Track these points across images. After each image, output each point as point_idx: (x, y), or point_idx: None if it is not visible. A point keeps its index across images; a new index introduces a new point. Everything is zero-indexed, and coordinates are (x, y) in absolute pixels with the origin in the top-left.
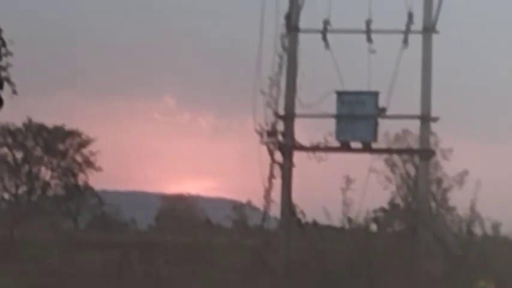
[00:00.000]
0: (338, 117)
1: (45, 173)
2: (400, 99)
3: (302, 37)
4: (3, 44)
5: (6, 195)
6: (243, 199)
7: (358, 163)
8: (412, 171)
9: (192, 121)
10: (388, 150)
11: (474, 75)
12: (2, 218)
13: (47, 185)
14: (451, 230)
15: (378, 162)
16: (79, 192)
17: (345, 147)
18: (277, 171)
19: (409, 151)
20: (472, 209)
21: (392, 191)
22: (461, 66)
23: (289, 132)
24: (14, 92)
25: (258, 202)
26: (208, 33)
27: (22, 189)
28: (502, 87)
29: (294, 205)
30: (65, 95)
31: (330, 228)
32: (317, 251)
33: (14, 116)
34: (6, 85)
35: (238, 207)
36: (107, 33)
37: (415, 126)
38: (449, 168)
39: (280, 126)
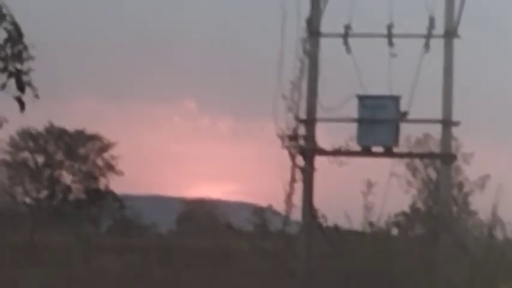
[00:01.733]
0: (359, 121)
1: (67, 177)
2: (422, 104)
3: (323, 41)
4: (25, 48)
5: (27, 199)
6: (264, 203)
7: (379, 167)
8: (433, 175)
9: (212, 125)
10: (410, 155)
11: (496, 79)
12: (23, 222)
13: (68, 189)
14: (472, 234)
15: (399, 166)
16: (100, 197)
17: (366, 152)
18: (299, 176)
19: (431, 155)
20: (494, 213)
21: (413, 195)
22: (483, 70)
23: (310, 136)
24: (36, 96)
25: (279, 206)
26: (229, 37)
27: (43, 194)
28: None
29: (316, 209)
30: (86, 99)
31: (351, 232)
32: (338, 255)
33: (35, 120)
34: (28, 89)
35: (258, 211)
36: (127, 37)
37: (436, 130)
38: (470, 172)
39: (302, 131)
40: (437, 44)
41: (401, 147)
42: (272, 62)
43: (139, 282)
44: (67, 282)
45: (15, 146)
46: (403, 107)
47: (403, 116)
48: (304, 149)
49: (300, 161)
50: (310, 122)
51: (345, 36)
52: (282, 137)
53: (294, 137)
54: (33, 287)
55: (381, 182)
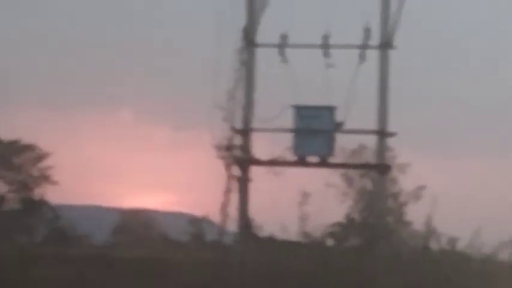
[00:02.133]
0: (295, 131)
1: (1, 187)
2: (357, 114)
3: (259, 51)
4: None
5: None
6: (200, 213)
7: (315, 177)
8: (368, 185)
9: (148, 134)
10: (345, 165)
11: (431, 90)
12: None
13: (2, 199)
14: (408, 245)
15: (335, 176)
16: (35, 207)
17: (302, 162)
18: (234, 186)
19: (366, 166)
20: (429, 223)
21: (349, 206)
22: (419, 81)
23: (246, 146)
24: None
25: (216, 216)
26: (166, 45)
27: None
28: (459, 102)
29: (251, 219)
30: (20, 108)
31: (287, 242)
32: (273, 265)
33: None
34: None
35: (194, 221)
36: (62, 43)
37: (372, 141)
38: (406, 183)
39: (238, 141)
40: (373, 55)
41: (337, 158)
42: (209, 71)
43: None
44: None
45: None
46: (338, 117)
47: (338, 127)
48: (240, 159)
49: (236, 171)
50: (246, 132)
51: (281, 46)
52: (218, 147)
53: (229, 147)
54: None
55: (317, 193)
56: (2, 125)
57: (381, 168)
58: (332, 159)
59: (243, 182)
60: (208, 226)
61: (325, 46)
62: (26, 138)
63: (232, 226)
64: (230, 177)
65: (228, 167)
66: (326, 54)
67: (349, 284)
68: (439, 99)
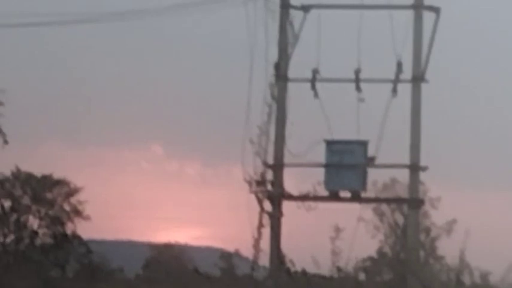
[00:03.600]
0: (327, 166)
1: (33, 222)
2: (389, 148)
3: (291, 86)
4: None
5: None
6: (232, 248)
7: (347, 212)
8: (400, 220)
9: (179, 169)
10: (377, 200)
11: (463, 124)
12: None
13: (34, 233)
14: (439, 279)
15: (367, 211)
16: (67, 241)
17: (333, 197)
18: (266, 220)
19: (398, 200)
20: (461, 258)
21: (380, 240)
22: (451, 115)
23: (278, 181)
24: (6, 141)
25: (247, 251)
26: (197, 82)
27: (10, 238)
28: (491, 136)
29: (283, 254)
30: (53, 144)
31: (319, 277)
32: None
33: (1, 165)
34: None
35: (226, 256)
36: (94, 82)
37: (403, 175)
38: (437, 217)
39: (269, 176)
40: (405, 89)
41: (369, 192)
42: (240, 107)
43: None
44: None
45: None
46: (370, 151)
47: (370, 161)
48: (272, 194)
49: (268, 206)
50: (277, 167)
51: (313, 80)
52: (249, 182)
53: (261, 182)
54: None
55: (349, 227)
56: (34, 160)
57: (412, 202)
58: (364, 194)
59: (275, 217)
60: (239, 261)
61: (357, 80)
62: (58, 173)
63: (264, 260)
64: (262, 212)
65: (260, 202)
66: (358, 89)
67: None
68: (471, 133)
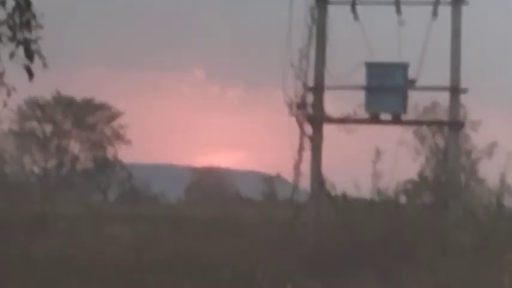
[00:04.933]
0: (367, 89)
1: (75, 147)
2: (430, 71)
3: (331, 9)
4: (34, 17)
5: (35, 169)
6: (273, 172)
7: (387, 135)
8: (441, 143)
9: (221, 94)
10: (418, 122)
11: (504, 46)
12: (31, 191)
13: (76, 158)
14: (481, 202)
15: (408, 134)
16: (108, 166)
17: (374, 119)
18: (307, 144)
19: (439, 123)
20: (502, 180)
21: (421, 163)
22: (492, 38)
23: (318, 104)
24: (45, 65)
25: (288, 175)
26: (237, 6)
27: (51, 163)
28: None
29: (324, 178)
30: (94, 69)
31: (360, 200)
32: (347, 223)
33: (43, 89)
34: (36, 58)
35: (267, 179)
36: (134, 5)
37: (444, 98)
38: (478, 140)
39: (310, 99)
40: (445, 11)
41: (410, 115)
42: (281, 30)
43: (150, 252)
44: (77, 250)
45: (22, 115)
46: (411, 74)
47: (411, 84)
48: (313, 117)
49: (308, 129)
50: (318, 89)
51: (353, 3)
52: (290, 105)
53: (302, 105)
54: (43, 256)
55: (389, 150)
56: (75, 85)
57: (453, 125)
58: (405, 117)
59: (316, 140)
60: (280, 184)
61: (397, 3)
62: (99, 97)
63: (305, 184)
64: (303, 135)
65: (300, 125)
66: (398, 11)
67: (422, 241)
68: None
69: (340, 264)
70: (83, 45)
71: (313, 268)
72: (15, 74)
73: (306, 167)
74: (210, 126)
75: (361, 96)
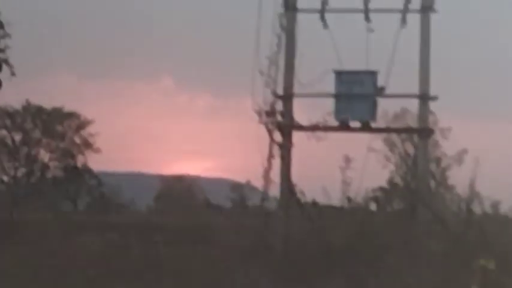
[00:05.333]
0: (337, 96)
1: (44, 155)
2: (399, 79)
3: (300, 16)
4: (1, 26)
5: (5, 178)
6: (242, 179)
7: (357, 142)
8: (410, 150)
9: (190, 102)
10: (387, 130)
11: (472, 54)
12: (1, 200)
13: (45, 167)
14: (450, 209)
15: (377, 141)
16: (78, 174)
17: (343, 127)
18: (276, 151)
19: (408, 130)
20: (471, 187)
21: (391, 170)
22: (460, 45)
23: (288, 111)
24: (13, 73)
25: (257, 182)
26: (206, 14)
27: (21, 172)
28: (500, 66)
29: (294, 185)
30: (63, 77)
31: (330, 207)
32: (317, 230)
33: (12, 98)
34: (4, 67)
35: (237, 187)
36: (105, 14)
37: (414, 105)
38: (448, 147)
39: (279, 106)
40: (414, 19)
41: (379, 122)
42: (249, 38)
43: (120, 259)
44: (47, 259)
45: None
46: (380, 82)
47: (380, 91)
48: (282, 125)
49: (278, 136)
50: (287, 97)
51: (322, 11)
52: (259, 113)
53: (271, 113)
54: (12, 265)
55: (359, 157)
56: (43, 93)
57: (422, 132)
58: (374, 124)
59: (285, 148)
60: (250, 192)
61: (366, 10)
62: (69, 106)
63: (275, 191)
64: (272, 142)
65: (270, 132)
66: (367, 19)
67: (392, 248)
68: (480, 64)
69: (310, 271)
70: (52, 54)
71: (282, 275)
72: None
73: (275, 174)
74: (180, 134)
75: (330, 103)
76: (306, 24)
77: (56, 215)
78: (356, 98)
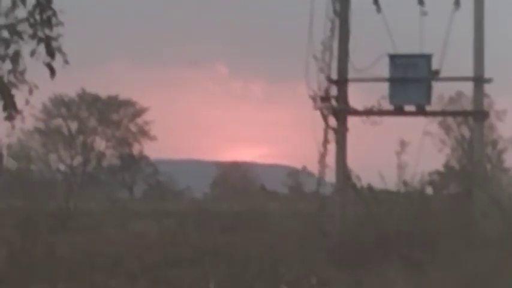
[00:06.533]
0: (391, 80)
1: (100, 144)
2: (453, 62)
3: (353, 1)
4: (54, 14)
5: (61, 166)
6: (298, 165)
7: (412, 126)
8: (466, 133)
9: (244, 88)
10: (443, 113)
11: None
12: (57, 188)
13: (102, 155)
14: (506, 191)
15: (432, 125)
16: (134, 162)
17: (398, 111)
18: (332, 136)
19: (463, 113)
20: None
21: (447, 154)
22: None
23: (342, 96)
24: (66, 61)
25: (313, 168)
26: (259, 1)
27: (77, 160)
28: None
29: (349, 170)
30: (117, 65)
31: (386, 192)
32: (373, 215)
33: (67, 87)
34: (57, 55)
35: (293, 173)
36: (160, 2)
37: (468, 88)
38: (504, 129)
39: (334, 91)
40: (467, 0)
41: (434, 106)
42: (303, 24)
43: (176, 247)
44: (103, 247)
45: (48, 113)
46: (434, 65)
47: (435, 75)
48: (337, 110)
49: (333, 121)
50: (342, 82)
51: None
52: (314, 98)
53: (326, 98)
54: (69, 253)
55: (414, 141)
56: (99, 82)
57: (478, 115)
58: (429, 108)
59: (340, 133)
60: (306, 177)
61: None
62: (124, 94)
63: (330, 177)
64: (327, 128)
65: (325, 118)
66: (421, 2)
67: (448, 232)
68: None
69: (366, 255)
70: (106, 42)
71: (338, 259)
72: (37, 71)
73: (331, 159)
74: (235, 121)
75: (384, 88)
76: (359, 8)
77: (113, 203)
78: (411, 81)
